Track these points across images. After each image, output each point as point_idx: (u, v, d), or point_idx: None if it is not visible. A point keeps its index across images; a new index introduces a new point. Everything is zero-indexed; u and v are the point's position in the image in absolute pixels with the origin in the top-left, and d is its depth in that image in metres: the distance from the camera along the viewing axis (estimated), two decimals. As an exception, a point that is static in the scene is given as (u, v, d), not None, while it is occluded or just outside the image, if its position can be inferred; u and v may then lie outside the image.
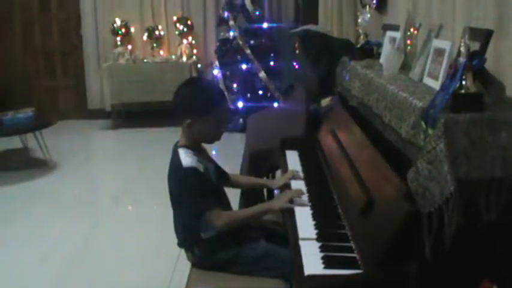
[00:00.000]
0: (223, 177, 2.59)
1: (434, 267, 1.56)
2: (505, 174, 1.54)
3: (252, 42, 7.17)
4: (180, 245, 2.46)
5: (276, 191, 2.97)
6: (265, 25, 7.46)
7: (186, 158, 2.29)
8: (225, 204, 2.47)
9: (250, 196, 3.25)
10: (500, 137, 1.53)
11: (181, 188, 2.33)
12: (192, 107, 2.30)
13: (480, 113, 1.56)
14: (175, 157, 2.34)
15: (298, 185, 2.54)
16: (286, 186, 2.56)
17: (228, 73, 7.22)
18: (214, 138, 2.40)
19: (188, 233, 2.38)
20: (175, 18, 7.86)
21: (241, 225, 2.38)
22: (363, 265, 1.73)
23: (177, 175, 2.33)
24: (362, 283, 1.67)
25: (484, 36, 1.79)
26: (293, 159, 2.91)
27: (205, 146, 2.50)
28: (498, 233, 1.58)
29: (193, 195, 2.28)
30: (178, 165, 2.29)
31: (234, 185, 2.71)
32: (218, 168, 2.55)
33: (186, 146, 2.34)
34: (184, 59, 7.69)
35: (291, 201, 2.31)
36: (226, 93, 6.87)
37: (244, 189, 3.35)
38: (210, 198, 2.30)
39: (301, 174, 2.67)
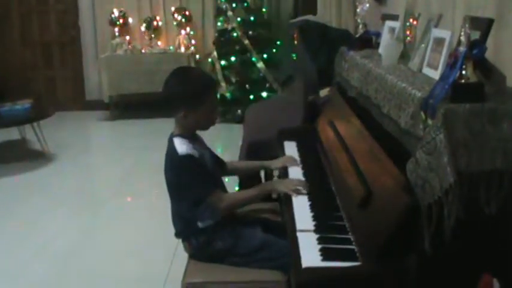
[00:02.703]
0: (220, 166, 2.58)
1: (433, 259, 1.55)
2: (505, 166, 1.52)
3: (250, 32, 7.13)
4: (177, 235, 2.45)
5: (275, 178, 2.96)
6: (263, 15, 7.41)
7: (182, 146, 2.28)
8: (223, 191, 2.45)
9: (249, 186, 3.24)
10: (501, 129, 1.51)
11: (179, 176, 2.32)
12: (184, 99, 2.28)
13: (481, 103, 1.54)
14: (170, 147, 2.32)
15: (296, 174, 2.53)
16: (284, 170, 2.57)
17: (226, 64, 7.19)
18: (209, 124, 2.39)
19: (185, 223, 2.37)
20: (173, 8, 7.82)
21: (243, 206, 2.41)
22: (361, 257, 1.72)
23: (173, 164, 2.32)
24: (360, 275, 1.66)
25: (484, 25, 1.77)
26: (291, 150, 2.89)
27: (203, 136, 2.49)
28: (498, 226, 1.57)
29: (191, 181, 2.27)
30: (173, 154, 2.28)
31: (232, 171, 2.72)
32: (214, 156, 2.54)
33: (181, 135, 2.33)
34: (183, 49, 7.66)
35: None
36: (223, 84, 6.86)
37: (242, 176, 3.33)
38: (209, 182, 2.30)
39: (298, 159, 2.69)
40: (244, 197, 2.44)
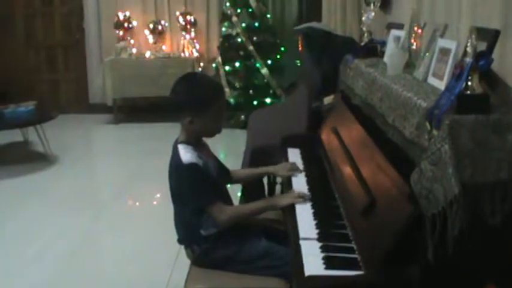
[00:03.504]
0: (225, 174, 2.57)
1: (437, 270, 1.54)
2: (510, 177, 1.51)
3: (255, 38, 7.13)
4: (180, 241, 2.44)
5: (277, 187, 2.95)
6: (268, 22, 7.42)
7: (186, 154, 2.27)
8: (227, 200, 2.44)
9: (252, 193, 3.24)
10: (506, 140, 1.51)
11: (182, 184, 2.31)
12: (191, 105, 2.27)
13: (486, 114, 1.54)
14: (175, 154, 2.32)
15: (299, 181, 2.53)
16: (288, 182, 2.56)
17: (230, 69, 7.19)
18: (215, 131, 2.38)
19: (188, 230, 2.36)
20: (178, 13, 7.83)
21: (245, 220, 2.37)
22: (364, 266, 1.71)
23: (178, 172, 2.31)
24: (363, 285, 1.65)
25: (491, 37, 1.77)
26: (295, 158, 2.89)
27: (208, 143, 2.49)
28: (503, 236, 1.56)
29: (195, 190, 2.27)
30: (178, 162, 2.27)
31: (236, 179, 2.70)
32: (219, 164, 2.53)
33: (186, 142, 2.32)
34: (187, 54, 7.67)
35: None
36: (227, 89, 6.86)
37: (246, 183, 3.32)
38: (212, 193, 2.29)
39: (301, 166, 2.69)
40: (246, 211, 2.40)
